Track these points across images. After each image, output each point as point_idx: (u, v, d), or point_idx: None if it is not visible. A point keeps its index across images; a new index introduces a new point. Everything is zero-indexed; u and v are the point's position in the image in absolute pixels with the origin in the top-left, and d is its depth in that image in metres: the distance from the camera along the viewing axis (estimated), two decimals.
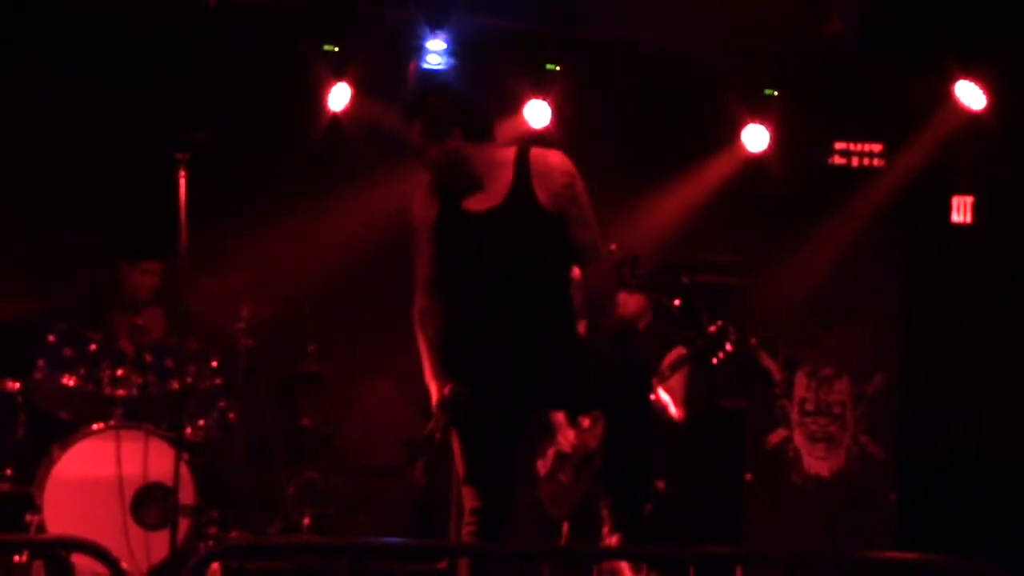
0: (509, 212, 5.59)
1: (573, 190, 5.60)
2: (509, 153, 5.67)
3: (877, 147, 9.27)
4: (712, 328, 7.27)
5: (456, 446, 5.67)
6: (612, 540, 5.67)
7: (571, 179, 5.61)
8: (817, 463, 8.93)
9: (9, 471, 7.61)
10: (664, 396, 7.36)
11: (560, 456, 7.30)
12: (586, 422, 7.20)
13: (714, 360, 7.31)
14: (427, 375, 5.67)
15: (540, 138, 8.46)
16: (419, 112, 5.69)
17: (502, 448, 5.64)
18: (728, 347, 7.27)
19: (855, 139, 9.27)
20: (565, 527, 7.29)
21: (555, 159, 5.66)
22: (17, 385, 7.65)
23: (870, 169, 9.24)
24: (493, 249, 5.59)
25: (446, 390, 5.59)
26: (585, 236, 5.61)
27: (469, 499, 5.64)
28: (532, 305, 5.61)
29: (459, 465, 5.67)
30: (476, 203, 5.65)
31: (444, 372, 5.63)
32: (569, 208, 5.58)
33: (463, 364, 5.63)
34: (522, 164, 5.62)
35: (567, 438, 7.25)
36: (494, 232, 5.59)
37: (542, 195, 5.57)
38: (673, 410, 7.33)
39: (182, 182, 6.54)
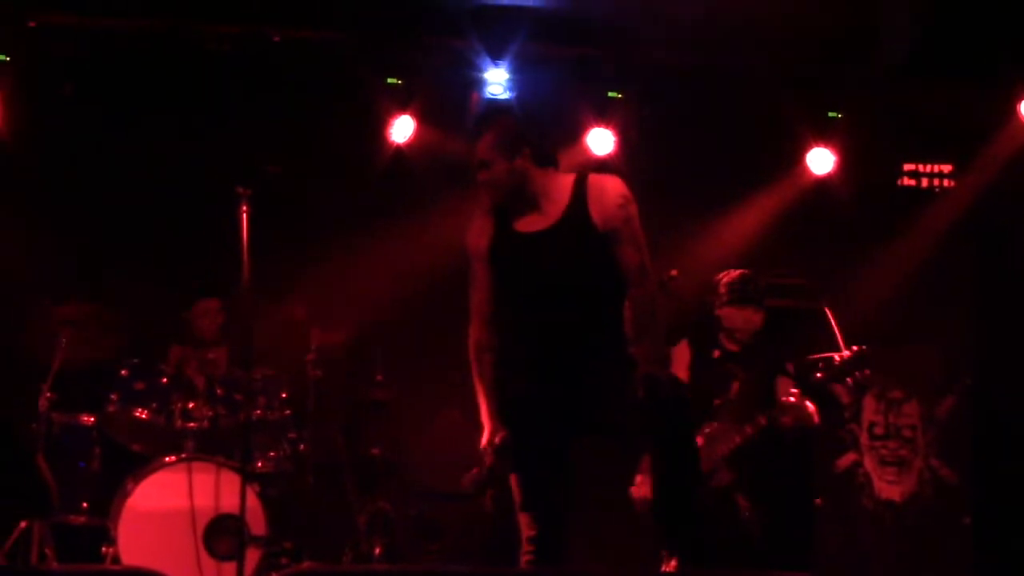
0: (562, 232, 5.64)
1: (627, 211, 5.65)
2: (568, 179, 5.74)
3: (947, 168, 9.20)
4: (848, 352, 7.12)
5: (511, 475, 5.69)
6: (670, 566, 5.66)
7: (625, 201, 5.66)
8: (888, 487, 8.84)
9: (84, 504, 7.73)
10: (810, 405, 7.12)
11: None
12: (699, 440, 7.17)
13: (849, 381, 7.21)
14: (482, 414, 5.71)
15: (601, 166, 8.48)
16: (492, 125, 5.76)
17: (556, 476, 5.63)
18: (865, 372, 7.15)
19: (924, 160, 9.21)
20: None
21: (611, 182, 5.73)
22: (92, 419, 7.79)
23: (940, 190, 9.17)
24: (545, 270, 5.63)
25: (497, 438, 5.63)
26: (633, 258, 5.64)
27: (525, 527, 5.65)
28: (583, 328, 5.63)
29: (514, 493, 5.69)
30: (529, 225, 5.70)
31: (498, 414, 5.67)
32: (621, 228, 5.63)
33: (515, 392, 5.65)
34: (579, 188, 5.68)
35: None
36: (546, 253, 5.63)
37: (596, 215, 5.62)
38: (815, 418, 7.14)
39: (244, 216, 6.61)
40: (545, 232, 5.66)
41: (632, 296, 5.67)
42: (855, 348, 7.12)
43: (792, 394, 7.11)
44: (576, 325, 5.62)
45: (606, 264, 5.64)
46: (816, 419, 7.13)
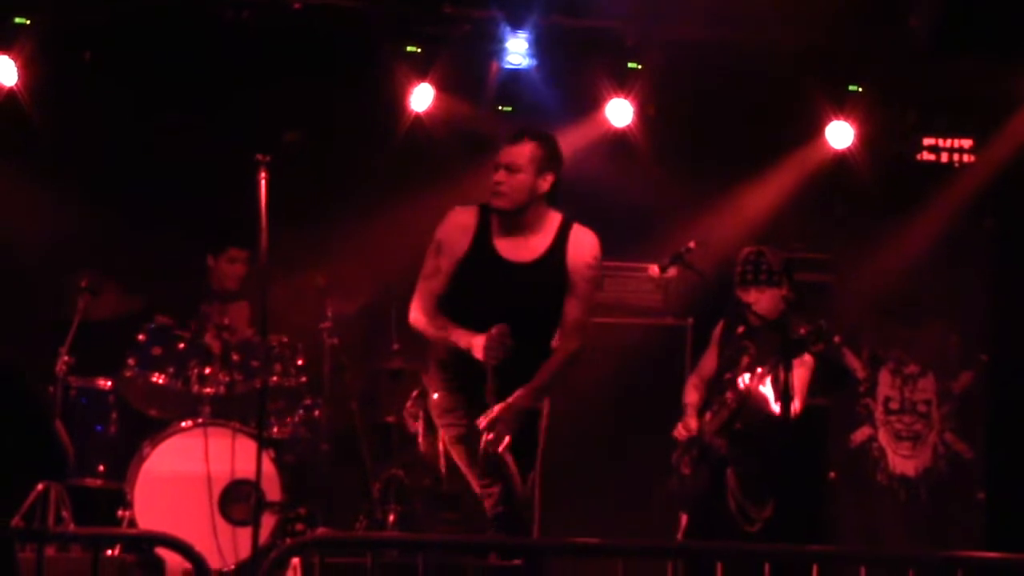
0: (542, 270, 6.05)
1: (594, 272, 6.14)
2: (555, 219, 6.11)
3: (967, 142, 9.15)
4: (803, 330, 7.08)
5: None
6: None
7: (597, 262, 6.13)
8: (903, 462, 8.84)
9: (101, 467, 7.78)
10: (765, 390, 7.06)
11: (678, 446, 7.33)
12: (707, 415, 7.23)
13: (807, 356, 7.17)
14: (461, 341, 6.00)
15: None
16: (536, 137, 6.06)
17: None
18: (819, 347, 7.11)
19: (944, 135, 9.17)
20: (683, 519, 7.31)
21: (590, 239, 6.16)
22: (109, 383, 7.83)
23: (960, 165, 9.13)
24: (516, 299, 5.99)
25: (494, 330, 5.89)
26: (578, 315, 6.12)
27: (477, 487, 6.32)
28: (527, 352, 6.02)
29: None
30: (512, 252, 6.05)
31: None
32: (580, 285, 6.08)
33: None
34: (563, 232, 6.09)
35: (687, 427, 7.31)
36: (522, 285, 6.01)
37: (570, 261, 6.05)
38: (775, 406, 7.06)
39: (263, 183, 6.62)
40: (526, 265, 6.05)
41: (560, 347, 6.11)
42: (814, 324, 7.04)
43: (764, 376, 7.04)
44: (524, 347, 5.97)
45: (560, 307, 6.10)
46: (770, 406, 7.01)
